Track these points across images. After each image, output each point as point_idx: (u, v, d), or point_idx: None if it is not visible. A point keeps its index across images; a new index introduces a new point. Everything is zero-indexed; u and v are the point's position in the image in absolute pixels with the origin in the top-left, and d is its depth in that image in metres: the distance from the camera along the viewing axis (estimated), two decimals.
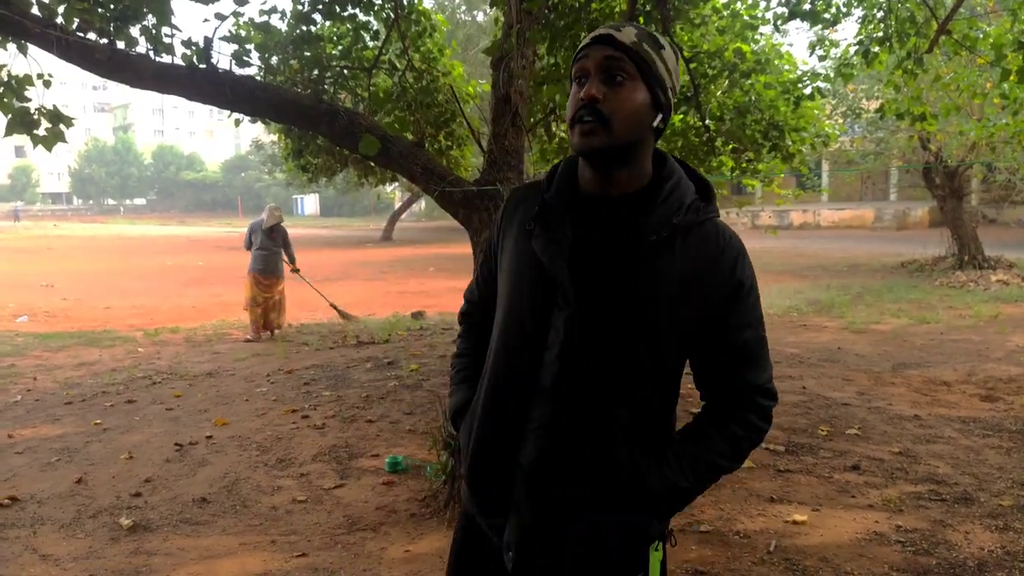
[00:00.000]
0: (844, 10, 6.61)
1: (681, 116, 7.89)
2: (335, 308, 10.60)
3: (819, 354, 7.46)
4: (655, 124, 1.37)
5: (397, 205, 39.59)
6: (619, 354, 1.34)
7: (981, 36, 6.59)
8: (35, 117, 4.58)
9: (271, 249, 9.37)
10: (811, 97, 7.91)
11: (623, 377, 1.35)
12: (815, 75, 8.31)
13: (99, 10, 4.33)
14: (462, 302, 1.73)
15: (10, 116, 4.58)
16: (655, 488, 1.35)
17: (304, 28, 6.19)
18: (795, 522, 3.58)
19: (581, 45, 1.35)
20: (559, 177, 1.44)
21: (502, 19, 4.82)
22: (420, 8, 6.81)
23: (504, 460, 1.41)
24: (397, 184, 27.10)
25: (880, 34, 6.47)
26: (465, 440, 1.52)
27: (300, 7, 6.01)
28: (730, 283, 1.35)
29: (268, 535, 3.63)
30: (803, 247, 21.58)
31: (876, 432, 4.93)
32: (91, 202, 76.90)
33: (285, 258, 9.59)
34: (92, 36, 4.17)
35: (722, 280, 1.35)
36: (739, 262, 1.36)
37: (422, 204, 42.73)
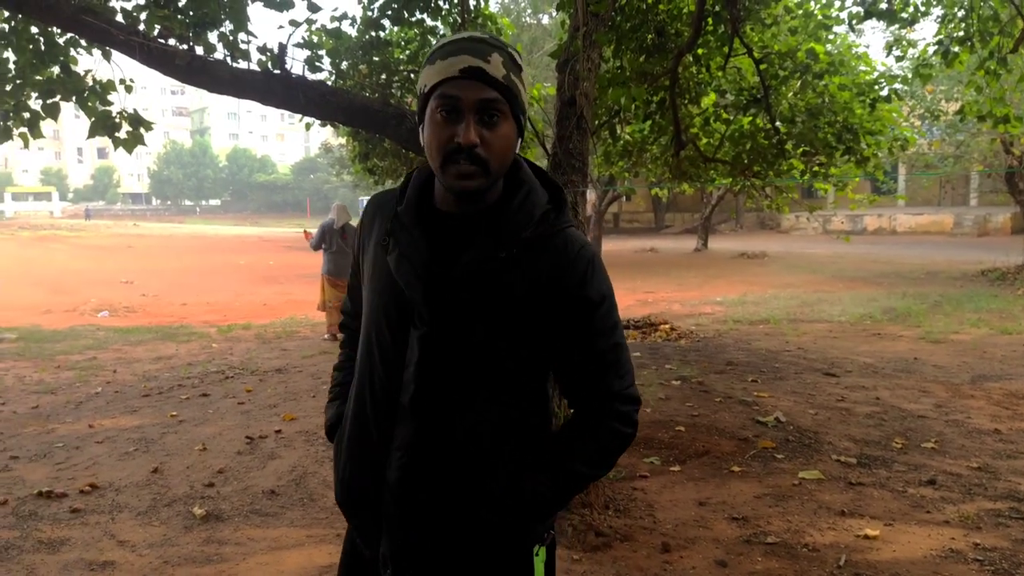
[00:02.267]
0: (923, 9, 6.39)
1: (750, 118, 7.75)
2: None
3: (894, 364, 7.21)
4: (518, 148, 1.38)
5: None
6: (474, 371, 1.34)
7: None
8: (117, 120, 4.79)
9: (343, 250, 9.38)
10: (887, 99, 7.67)
11: (480, 393, 1.35)
12: (892, 76, 8.06)
13: (179, 17, 4.50)
14: None
15: (94, 119, 4.81)
16: (519, 499, 1.35)
17: (373, 34, 6.32)
18: (866, 537, 3.47)
19: (446, 75, 1.27)
20: (411, 191, 1.41)
21: (568, 22, 4.81)
22: (486, 12, 6.87)
23: (373, 479, 1.41)
24: None
25: (961, 33, 6.24)
26: (336, 458, 1.52)
27: (370, 13, 6.13)
28: (580, 295, 1.34)
29: (334, 528, 3.69)
30: (877, 253, 20.90)
31: (954, 446, 4.74)
32: (169, 202, 79.86)
33: None
34: (172, 42, 4.33)
35: (572, 292, 1.34)
36: (588, 273, 1.35)
37: None
